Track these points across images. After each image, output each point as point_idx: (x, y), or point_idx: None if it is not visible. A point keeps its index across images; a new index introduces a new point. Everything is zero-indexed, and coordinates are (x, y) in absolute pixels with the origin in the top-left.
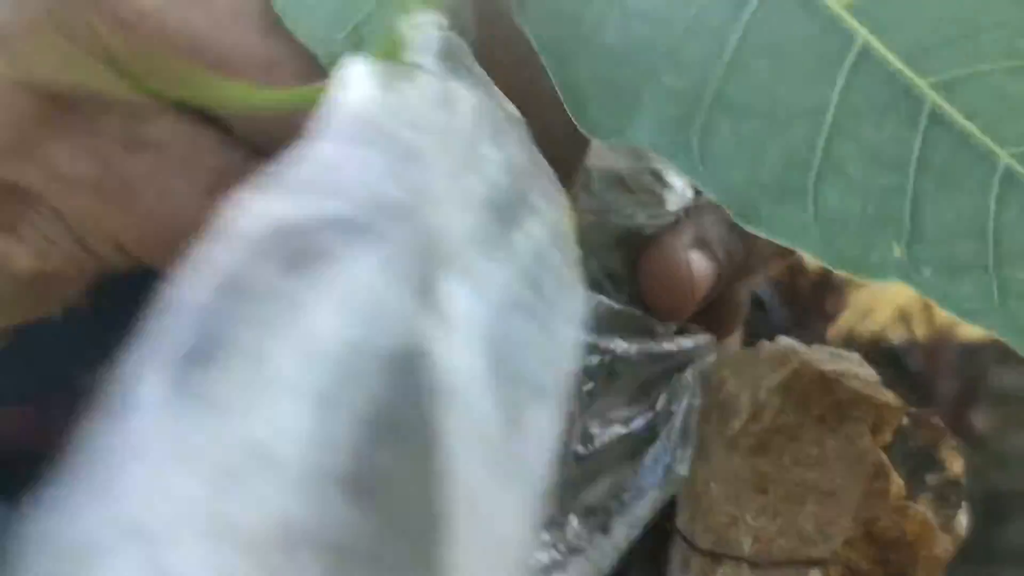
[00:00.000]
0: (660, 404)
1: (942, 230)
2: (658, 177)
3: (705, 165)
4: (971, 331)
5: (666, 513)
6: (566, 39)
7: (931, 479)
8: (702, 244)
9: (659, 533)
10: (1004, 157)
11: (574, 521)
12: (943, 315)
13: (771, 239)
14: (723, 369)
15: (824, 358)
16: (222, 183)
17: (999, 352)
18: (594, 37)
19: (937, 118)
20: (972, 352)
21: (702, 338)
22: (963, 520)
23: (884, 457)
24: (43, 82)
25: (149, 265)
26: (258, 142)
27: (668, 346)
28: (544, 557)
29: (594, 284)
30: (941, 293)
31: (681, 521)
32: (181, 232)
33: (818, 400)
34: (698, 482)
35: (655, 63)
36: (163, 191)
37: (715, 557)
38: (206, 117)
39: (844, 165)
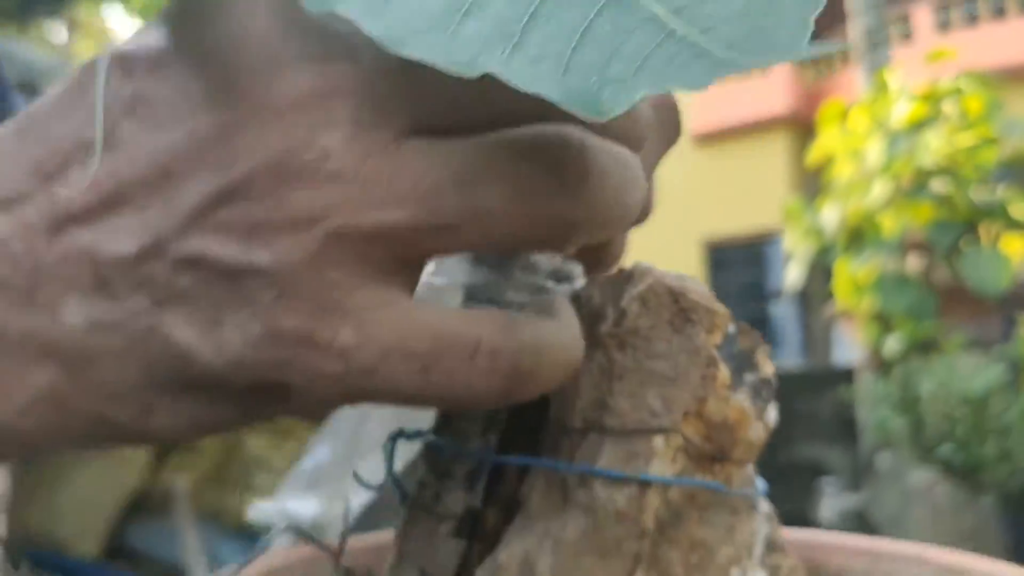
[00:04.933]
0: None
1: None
2: None
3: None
4: None
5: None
6: None
7: (749, 377)
8: None
9: (536, 424)
10: None
11: None
12: None
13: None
14: (592, 288)
15: (671, 276)
16: None
17: None
18: None
19: None
20: None
21: (575, 268)
22: (773, 413)
23: (715, 352)
24: None
25: None
26: None
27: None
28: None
29: None
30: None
31: (553, 411)
32: None
33: (667, 308)
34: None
35: None
36: None
37: (582, 433)
38: None
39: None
